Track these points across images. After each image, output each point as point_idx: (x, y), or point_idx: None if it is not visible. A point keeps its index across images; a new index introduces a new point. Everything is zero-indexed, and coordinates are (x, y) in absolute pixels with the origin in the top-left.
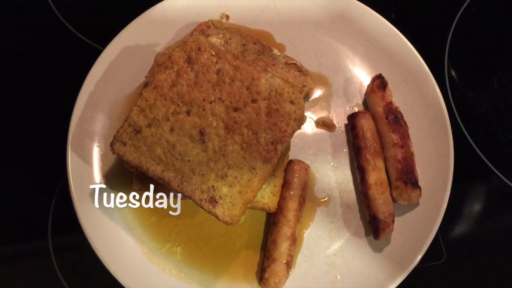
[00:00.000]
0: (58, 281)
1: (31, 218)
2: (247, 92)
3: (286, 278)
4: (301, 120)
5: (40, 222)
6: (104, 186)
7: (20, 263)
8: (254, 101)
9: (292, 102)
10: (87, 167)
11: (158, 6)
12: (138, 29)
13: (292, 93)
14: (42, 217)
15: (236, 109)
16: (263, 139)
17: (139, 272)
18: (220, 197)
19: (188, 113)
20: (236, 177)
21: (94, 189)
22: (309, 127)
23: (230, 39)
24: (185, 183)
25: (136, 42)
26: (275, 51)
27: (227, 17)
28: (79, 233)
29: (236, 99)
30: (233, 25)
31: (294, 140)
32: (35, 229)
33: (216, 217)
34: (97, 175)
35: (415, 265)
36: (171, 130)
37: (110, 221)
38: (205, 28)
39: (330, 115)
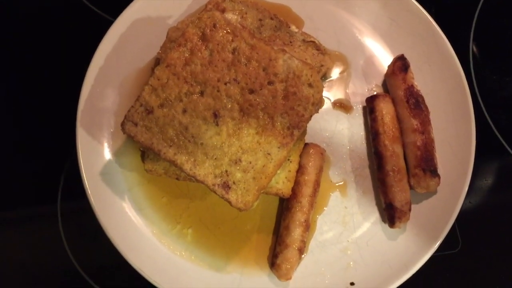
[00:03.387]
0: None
1: (40, 191)
2: (263, 74)
3: (298, 264)
4: (319, 104)
5: (50, 196)
6: (114, 164)
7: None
8: (271, 83)
9: (310, 85)
10: (97, 144)
11: None
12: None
13: (311, 75)
14: (52, 191)
15: (251, 91)
16: (279, 123)
17: (149, 253)
18: (234, 183)
19: (201, 93)
20: (250, 162)
21: (104, 166)
22: (325, 108)
23: (246, 13)
24: (198, 167)
25: (147, 14)
26: (293, 28)
27: None
28: (87, 201)
29: (252, 81)
30: None
31: (310, 121)
32: (45, 200)
33: (229, 203)
34: (107, 152)
35: (431, 255)
36: (184, 111)
37: (120, 201)
38: (220, 1)
39: (348, 97)
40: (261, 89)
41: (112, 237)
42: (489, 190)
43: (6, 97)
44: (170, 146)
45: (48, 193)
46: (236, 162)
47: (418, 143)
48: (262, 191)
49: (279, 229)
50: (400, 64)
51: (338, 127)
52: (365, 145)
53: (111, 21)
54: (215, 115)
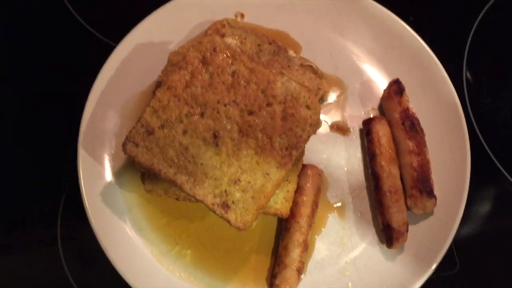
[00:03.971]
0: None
1: (40, 214)
2: (262, 96)
3: (297, 284)
4: (316, 125)
5: (50, 219)
6: (114, 185)
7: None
8: (269, 104)
9: (308, 107)
10: (98, 165)
11: (173, 3)
12: (151, 26)
13: (309, 97)
14: (52, 214)
15: (251, 113)
16: (277, 144)
17: (148, 274)
18: (233, 202)
19: (202, 115)
20: (249, 182)
21: (104, 187)
22: (323, 130)
23: (245, 38)
24: (198, 186)
25: (149, 39)
26: (291, 52)
27: (242, 15)
28: (87, 225)
29: (251, 102)
30: (248, 24)
31: (308, 144)
32: (44, 224)
33: (229, 222)
34: (108, 173)
35: (429, 276)
36: (184, 132)
37: (120, 221)
38: (220, 27)
39: (345, 119)
40: (260, 111)
41: (111, 257)
42: (486, 210)
43: (8, 119)
44: (170, 166)
45: (48, 217)
46: (235, 182)
47: (414, 164)
48: (261, 211)
49: (278, 249)
50: (396, 88)
51: (335, 149)
52: (362, 166)
53: (114, 46)
54: (215, 136)
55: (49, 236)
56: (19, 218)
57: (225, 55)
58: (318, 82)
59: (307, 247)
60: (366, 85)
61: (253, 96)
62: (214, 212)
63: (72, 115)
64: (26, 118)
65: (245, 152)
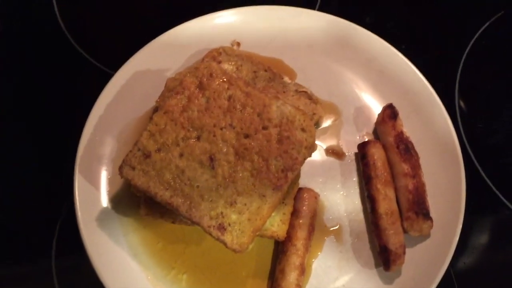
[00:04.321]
0: None
1: (35, 239)
2: (258, 119)
3: None
4: (312, 148)
5: (45, 244)
6: (111, 210)
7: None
8: (265, 128)
9: (303, 130)
10: (94, 190)
11: (170, 32)
12: (149, 54)
13: (304, 120)
14: (47, 238)
15: (246, 136)
16: (273, 166)
17: None
18: (229, 224)
19: (198, 138)
20: (245, 204)
21: (100, 212)
22: (318, 155)
23: (241, 65)
24: (194, 209)
25: (147, 67)
26: (286, 79)
27: (238, 44)
28: (82, 256)
29: (247, 126)
30: (244, 52)
31: (304, 168)
32: (39, 250)
33: (225, 244)
34: (104, 198)
35: None
36: (181, 155)
37: (116, 246)
38: (216, 54)
39: (340, 144)
40: (255, 134)
41: (106, 282)
42: (482, 233)
43: (7, 145)
44: (167, 189)
45: (43, 242)
46: (231, 204)
47: (410, 187)
48: (257, 233)
49: (275, 273)
50: (390, 112)
51: (331, 173)
52: (358, 190)
53: (112, 75)
54: (211, 159)
55: (43, 263)
56: (12, 246)
57: (221, 80)
58: (313, 107)
59: (304, 270)
60: (361, 110)
61: (249, 119)
62: (210, 234)
63: (70, 141)
64: (24, 144)
65: (241, 174)
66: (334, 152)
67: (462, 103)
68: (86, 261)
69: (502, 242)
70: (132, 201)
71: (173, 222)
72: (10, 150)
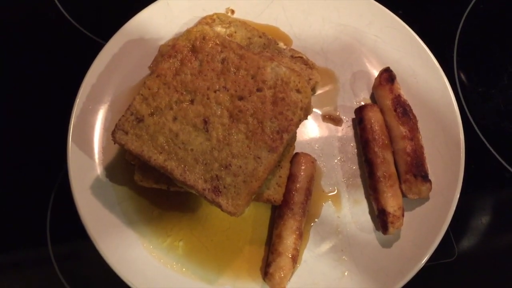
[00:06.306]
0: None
1: (29, 213)
2: (252, 81)
3: (292, 273)
4: (307, 109)
5: (39, 216)
6: (105, 178)
7: (20, 268)
8: (259, 89)
9: (298, 91)
10: (88, 159)
11: (163, 0)
12: (142, 22)
13: (299, 82)
14: (41, 212)
15: (241, 98)
16: (268, 128)
17: (140, 266)
18: (224, 187)
19: (191, 102)
20: (240, 167)
21: (94, 181)
22: (315, 121)
23: (236, 32)
24: (188, 172)
25: (139, 35)
26: (281, 44)
27: (232, 11)
28: (78, 220)
29: (241, 88)
30: (239, 19)
31: (300, 134)
32: (33, 225)
33: (219, 207)
34: (98, 167)
35: (426, 261)
36: (174, 118)
37: (111, 214)
38: (210, 21)
39: (337, 110)
40: (250, 96)
41: (102, 250)
42: (482, 196)
43: None
44: (161, 153)
45: (37, 213)
46: (226, 167)
47: (408, 150)
48: (253, 196)
49: (271, 239)
50: (387, 76)
51: (328, 139)
52: (356, 155)
53: (104, 44)
54: (205, 122)
55: (38, 235)
56: (7, 218)
57: (214, 43)
58: (309, 73)
59: (301, 235)
60: (357, 75)
61: (243, 82)
62: (205, 197)
63: (63, 111)
64: (16, 115)
65: (235, 137)
66: (331, 118)
67: (461, 68)
68: (80, 228)
69: (503, 205)
70: (127, 169)
71: (168, 188)
72: (0, 122)
